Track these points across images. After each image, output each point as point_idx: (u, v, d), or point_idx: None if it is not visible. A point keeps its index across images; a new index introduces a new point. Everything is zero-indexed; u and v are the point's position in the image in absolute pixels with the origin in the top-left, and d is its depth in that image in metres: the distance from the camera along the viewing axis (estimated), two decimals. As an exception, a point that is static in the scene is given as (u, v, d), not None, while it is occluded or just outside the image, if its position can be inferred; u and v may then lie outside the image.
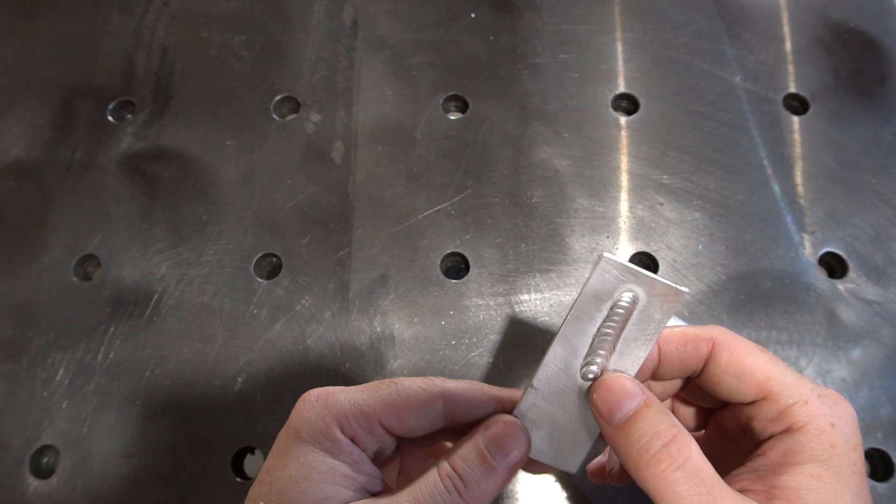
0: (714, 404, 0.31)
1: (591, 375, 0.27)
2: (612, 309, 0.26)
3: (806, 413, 0.25)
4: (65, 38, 0.53)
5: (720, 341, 0.27)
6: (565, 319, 0.27)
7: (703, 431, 0.33)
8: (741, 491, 0.25)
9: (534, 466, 0.31)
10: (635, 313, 0.26)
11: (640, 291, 0.26)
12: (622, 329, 0.27)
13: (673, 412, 0.32)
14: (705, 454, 0.32)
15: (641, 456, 0.25)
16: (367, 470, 0.26)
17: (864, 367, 0.40)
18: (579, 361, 0.27)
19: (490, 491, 0.26)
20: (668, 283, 0.26)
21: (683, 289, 0.26)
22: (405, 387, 0.27)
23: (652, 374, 0.29)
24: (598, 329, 0.27)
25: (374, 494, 0.26)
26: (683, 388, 0.31)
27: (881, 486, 0.37)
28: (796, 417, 0.25)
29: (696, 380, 0.29)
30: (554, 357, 0.27)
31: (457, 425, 0.29)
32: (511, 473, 0.27)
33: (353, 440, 0.26)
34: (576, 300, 0.27)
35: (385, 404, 0.26)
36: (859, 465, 0.25)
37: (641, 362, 0.27)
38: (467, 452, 0.26)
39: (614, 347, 0.27)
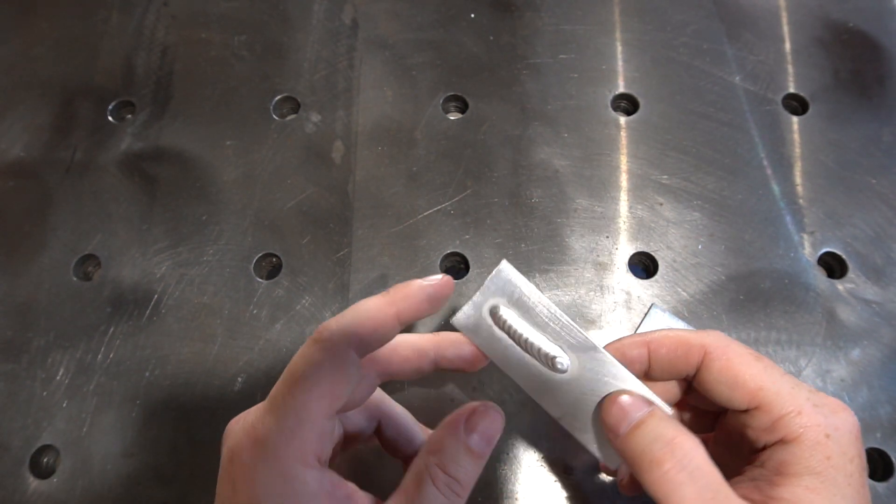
0: (717, 408, 0.31)
1: (560, 366, 0.28)
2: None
3: (799, 424, 0.25)
4: (65, 38, 0.53)
5: (712, 349, 0.27)
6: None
7: (712, 434, 0.33)
8: (743, 497, 0.25)
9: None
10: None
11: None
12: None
13: (680, 416, 0.33)
14: (713, 457, 0.33)
15: (645, 457, 0.25)
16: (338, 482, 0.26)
17: (863, 367, 0.40)
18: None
19: (477, 474, 0.27)
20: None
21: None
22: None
23: (643, 375, 0.29)
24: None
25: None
26: (689, 391, 0.31)
27: (881, 486, 0.37)
28: (789, 428, 0.25)
29: (694, 384, 0.29)
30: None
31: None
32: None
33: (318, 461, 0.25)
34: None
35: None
36: (856, 476, 0.25)
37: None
38: (455, 453, 0.26)
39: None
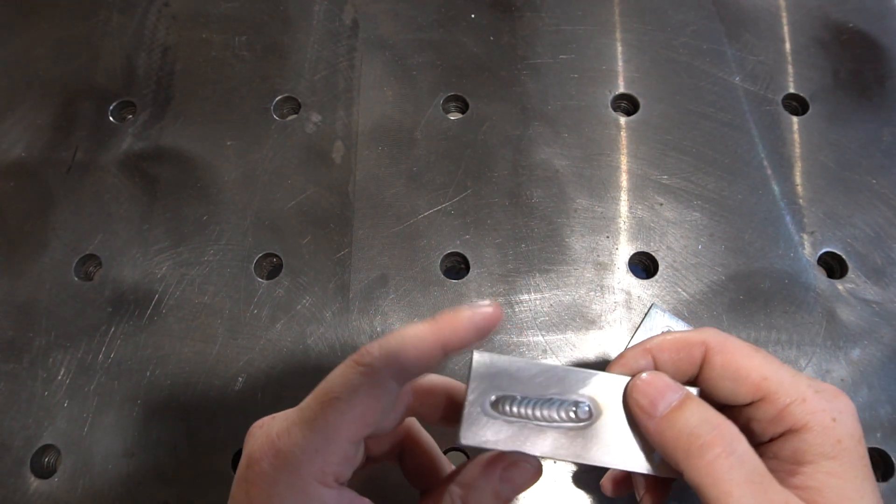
0: (718, 407, 0.31)
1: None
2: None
3: (804, 411, 0.25)
4: (65, 39, 0.53)
5: (713, 344, 0.27)
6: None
7: None
8: None
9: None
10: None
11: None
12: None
13: None
14: None
15: (693, 441, 0.24)
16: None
17: (863, 367, 0.40)
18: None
19: None
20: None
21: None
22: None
23: None
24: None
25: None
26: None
27: (881, 486, 0.37)
28: (795, 417, 0.25)
29: (697, 383, 0.29)
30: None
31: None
32: None
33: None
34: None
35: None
36: (866, 456, 0.25)
37: None
38: (483, 496, 0.26)
39: None
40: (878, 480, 0.37)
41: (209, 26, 0.53)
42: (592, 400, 0.27)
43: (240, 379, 0.41)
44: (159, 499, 0.38)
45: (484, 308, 0.26)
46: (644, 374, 0.27)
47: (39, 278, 0.44)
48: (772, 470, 0.25)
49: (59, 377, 0.41)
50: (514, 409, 0.26)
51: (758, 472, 0.24)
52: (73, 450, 0.39)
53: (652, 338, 0.29)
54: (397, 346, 0.25)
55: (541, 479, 0.28)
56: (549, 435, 0.27)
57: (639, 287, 0.43)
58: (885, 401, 0.39)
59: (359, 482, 0.27)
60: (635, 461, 0.27)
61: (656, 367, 0.28)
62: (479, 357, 0.27)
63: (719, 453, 0.24)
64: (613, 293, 0.43)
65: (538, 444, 0.27)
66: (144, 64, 0.52)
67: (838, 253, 0.43)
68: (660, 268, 0.43)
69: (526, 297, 0.43)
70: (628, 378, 0.28)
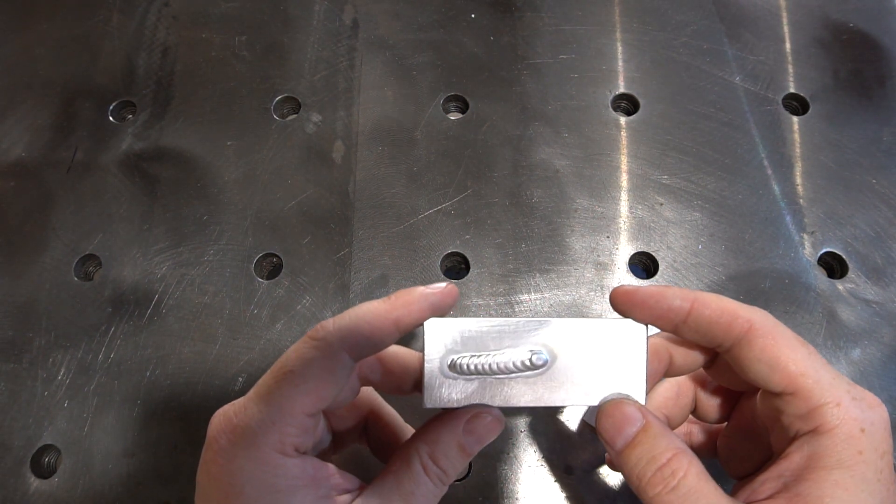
0: (741, 388, 0.30)
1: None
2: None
3: (836, 416, 0.24)
4: (65, 39, 0.53)
5: (759, 326, 0.26)
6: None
7: (724, 424, 0.33)
8: (768, 498, 0.25)
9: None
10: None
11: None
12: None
13: (696, 401, 0.32)
14: (724, 446, 0.32)
15: (640, 480, 0.25)
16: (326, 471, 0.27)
17: (863, 367, 0.40)
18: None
19: (463, 467, 0.28)
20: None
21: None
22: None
23: (674, 328, 0.28)
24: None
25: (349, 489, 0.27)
26: (712, 366, 0.30)
27: (880, 486, 0.37)
28: (826, 419, 0.25)
29: (726, 357, 0.28)
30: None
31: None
32: None
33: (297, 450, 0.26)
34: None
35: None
36: (886, 472, 0.24)
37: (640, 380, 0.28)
38: (449, 449, 0.27)
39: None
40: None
41: (209, 26, 0.53)
42: (546, 346, 0.28)
43: (240, 379, 0.41)
44: (159, 499, 0.38)
45: (438, 287, 0.27)
46: (608, 401, 0.27)
47: (39, 278, 0.44)
48: (781, 475, 0.25)
49: (59, 377, 0.41)
50: (472, 367, 0.27)
51: (701, 501, 0.24)
52: (73, 450, 0.39)
53: (704, 292, 0.28)
54: (351, 322, 0.26)
55: (502, 430, 0.28)
56: (509, 385, 0.28)
57: (639, 287, 0.43)
58: (885, 401, 0.39)
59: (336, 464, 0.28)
60: (593, 395, 0.28)
61: (689, 319, 0.27)
62: (430, 323, 0.27)
63: (660, 491, 0.25)
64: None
65: (500, 396, 0.28)
66: (144, 64, 0.52)
67: (838, 253, 0.43)
68: (660, 268, 0.43)
69: (526, 297, 0.43)
70: (577, 320, 0.28)
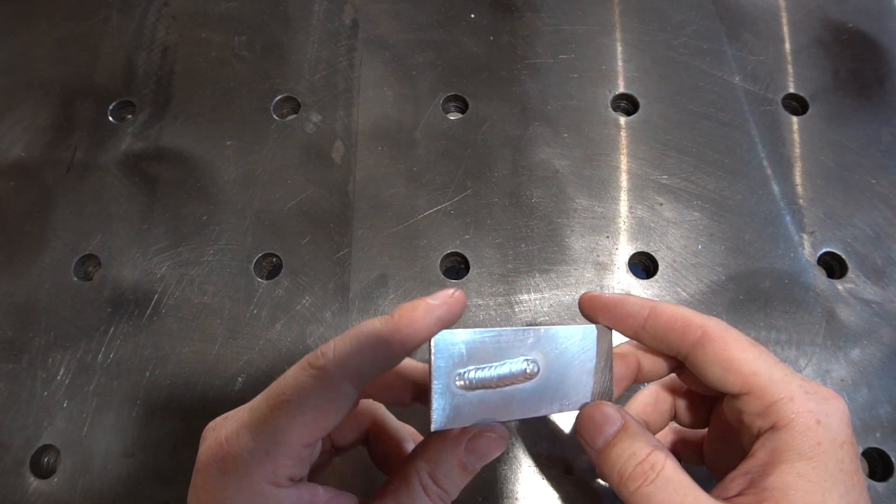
0: (709, 392, 0.31)
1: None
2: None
3: (790, 410, 0.25)
4: (65, 39, 0.53)
5: (710, 331, 0.28)
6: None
7: (705, 430, 0.33)
8: (738, 495, 0.25)
9: None
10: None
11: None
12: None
13: (675, 409, 0.33)
14: (708, 451, 0.33)
15: (621, 476, 0.26)
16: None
17: (863, 367, 0.40)
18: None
19: (465, 485, 0.28)
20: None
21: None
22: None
23: (634, 334, 0.30)
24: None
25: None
26: (682, 372, 0.31)
27: (880, 486, 0.37)
28: (781, 413, 0.26)
29: (685, 364, 0.29)
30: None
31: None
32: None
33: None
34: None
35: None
36: (847, 462, 0.25)
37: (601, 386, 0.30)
38: (450, 468, 0.27)
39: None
40: (876, 480, 0.37)
41: (209, 26, 0.53)
42: (537, 354, 0.29)
43: (239, 379, 0.41)
44: (159, 499, 0.38)
45: (443, 297, 0.25)
46: (596, 411, 0.28)
47: (39, 278, 0.44)
48: (748, 471, 0.26)
49: (59, 377, 0.41)
50: (477, 382, 0.27)
51: (679, 492, 0.25)
52: (73, 450, 0.39)
53: (663, 301, 0.30)
54: (353, 349, 0.24)
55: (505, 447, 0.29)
56: (512, 398, 0.28)
57: (639, 287, 0.43)
58: (884, 401, 0.39)
59: (329, 472, 0.27)
60: (576, 400, 0.29)
61: (646, 325, 0.29)
62: (437, 339, 0.26)
63: (640, 484, 0.25)
64: (613, 293, 0.43)
65: (505, 411, 0.28)
66: (144, 64, 0.52)
67: (838, 253, 0.43)
68: (660, 268, 0.43)
69: (526, 297, 0.43)
70: (558, 328, 0.29)
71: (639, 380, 0.31)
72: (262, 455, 0.23)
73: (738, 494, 0.25)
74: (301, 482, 0.25)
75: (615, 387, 0.30)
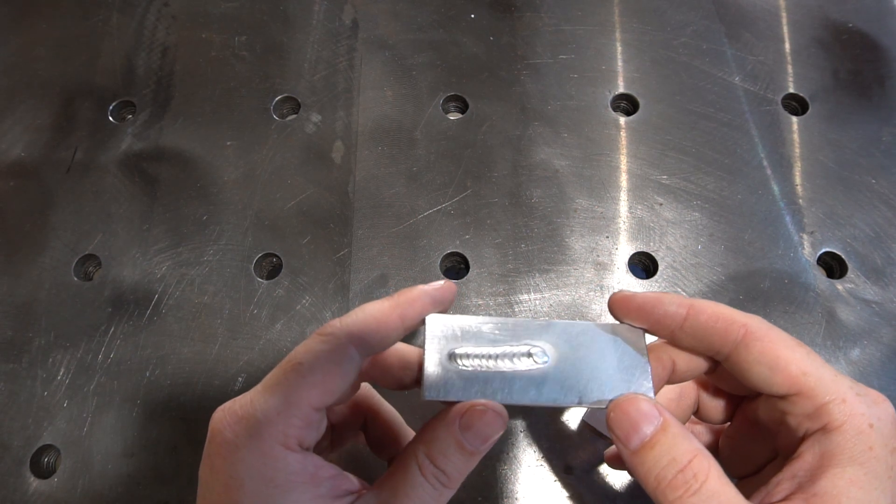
0: (744, 392, 0.30)
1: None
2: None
3: (843, 412, 0.24)
4: (65, 39, 0.53)
5: (754, 330, 0.26)
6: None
7: (727, 424, 0.32)
8: (784, 500, 0.24)
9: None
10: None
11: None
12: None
13: (699, 403, 0.32)
14: (725, 447, 0.32)
15: (659, 483, 0.24)
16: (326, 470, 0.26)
17: (863, 367, 0.40)
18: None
19: (469, 469, 0.27)
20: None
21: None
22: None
23: (671, 336, 0.28)
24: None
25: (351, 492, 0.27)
26: (714, 371, 0.30)
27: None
28: (833, 416, 0.24)
29: (724, 364, 0.28)
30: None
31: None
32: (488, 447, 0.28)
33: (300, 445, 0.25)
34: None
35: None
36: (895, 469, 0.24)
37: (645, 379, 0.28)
38: (446, 447, 0.26)
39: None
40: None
41: (209, 26, 0.53)
42: (547, 345, 0.28)
43: (239, 379, 0.41)
44: (159, 499, 0.38)
45: (437, 284, 0.28)
46: (623, 397, 0.26)
47: (39, 278, 0.44)
48: (795, 474, 0.25)
49: (59, 377, 0.41)
50: (471, 362, 0.28)
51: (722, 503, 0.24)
52: (73, 450, 0.39)
53: (701, 299, 0.28)
54: (358, 320, 0.26)
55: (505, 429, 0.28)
56: (511, 382, 0.28)
57: (639, 287, 0.43)
58: (884, 401, 0.39)
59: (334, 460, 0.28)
60: (597, 396, 0.28)
61: (685, 325, 0.27)
62: (431, 317, 0.28)
63: (682, 494, 0.24)
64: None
65: (501, 392, 0.28)
66: (144, 64, 0.52)
67: (838, 253, 0.43)
68: (659, 268, 0.43)
69: (526, 297, 0.43)
70: (576, 322, 0.29)
71: (673, 380, 0.30)
72: (275, 414, 0.24)
73: (785, 499, 0.24)
74: (309, 452, 0.26)
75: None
